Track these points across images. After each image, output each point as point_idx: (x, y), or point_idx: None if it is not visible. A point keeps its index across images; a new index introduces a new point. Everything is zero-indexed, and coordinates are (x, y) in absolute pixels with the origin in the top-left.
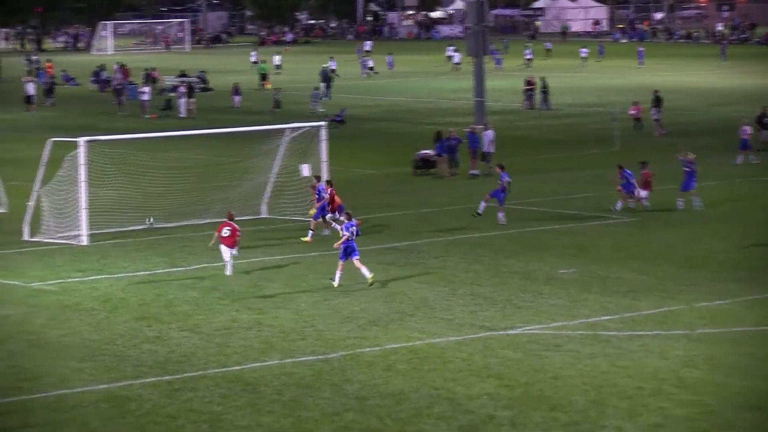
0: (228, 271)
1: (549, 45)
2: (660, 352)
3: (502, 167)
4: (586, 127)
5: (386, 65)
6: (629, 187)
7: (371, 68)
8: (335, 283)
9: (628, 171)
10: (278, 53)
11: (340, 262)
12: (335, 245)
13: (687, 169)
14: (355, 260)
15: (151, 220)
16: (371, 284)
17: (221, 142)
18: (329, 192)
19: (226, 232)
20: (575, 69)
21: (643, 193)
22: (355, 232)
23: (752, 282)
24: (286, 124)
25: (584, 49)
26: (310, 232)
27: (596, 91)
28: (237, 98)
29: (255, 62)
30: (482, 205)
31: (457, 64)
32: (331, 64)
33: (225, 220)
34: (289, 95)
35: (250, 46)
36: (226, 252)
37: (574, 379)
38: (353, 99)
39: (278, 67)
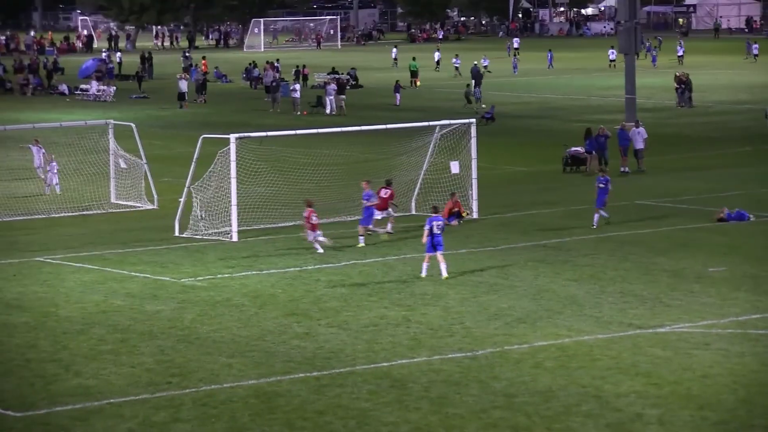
0: (320, 249)
1: (680, 50)
2: None
3: (602, 171)
4: (739, 124)
5: (546, 62)
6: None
7: (485, 68)
8: (423, 275)
9: (730, 213)
10: (438, 50)
11: (427, 255)
12: (423, 239)
13: None
14: (439, 254)
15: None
16: (446, 278)
17: (371, 138)
18: (388, 194)
19: (314, 219)
20: (730, 66)
21: None
22: (440, 227)
23: None
24: (436, 121)
25: (755, 45)
26: (388, 229)
27: (749, 88)
28: (398, 95)
29: (395, 59)
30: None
31: (612, 61)
32: (455, 62)
33: (309, 208)
34: (443, 92)
35: (401, 43)
36: (311, 235)
37: (723, 377)
38: (504, 96)
39: (438, 63)
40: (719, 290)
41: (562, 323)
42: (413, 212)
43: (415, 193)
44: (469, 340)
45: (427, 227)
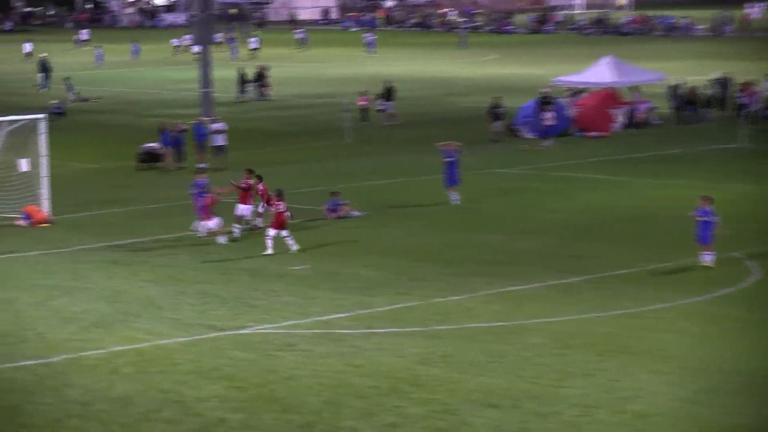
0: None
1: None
2: (395, 349)
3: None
4: (316, 118)
5: (130, 54)
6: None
7: None
8: None
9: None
10: (29, 41)
11: None
12: None
13: (449, 159)
14: None
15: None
16: None
17: None
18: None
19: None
20: (309, 58)
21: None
22: None
23: (487, 276)
24: (3, 117)
25: (369, 35)
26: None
27: (326, 81)
28: None
29: None
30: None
31: (177, 47)
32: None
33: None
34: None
35: None
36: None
37: (307, 379)
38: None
39: (29, 55)
40: (301, 289)
41: (140, 326)
42: None
43: None
44: (43, 347)
45: None
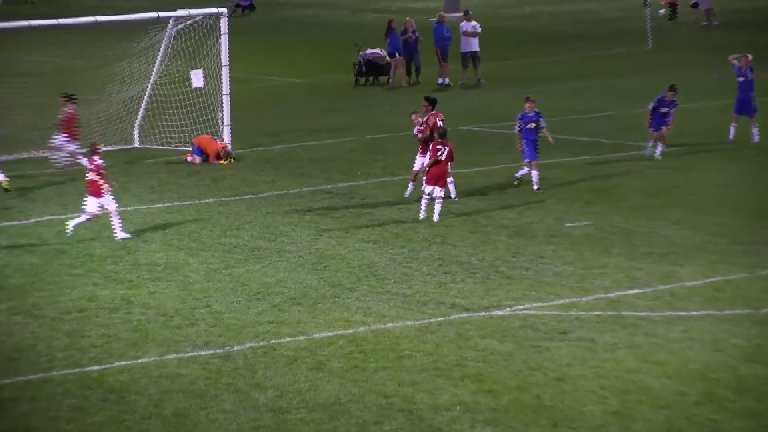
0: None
1: None
2: (711, 341)
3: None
4: (605, 16)
5: None
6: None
7: None
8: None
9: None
10: None
11: None
12: None
13: (741, 79)
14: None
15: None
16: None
17: (77, 37)
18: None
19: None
20: None
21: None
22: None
23: None
24: (170, 11)
25: None
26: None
27: None
28: None
29: None
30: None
31: None
32: None
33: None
34: None
35: None
36: None
37: (587, 381)
38: None
39: None
40: (581, 254)
41: (355, 304)
42: (137, 144)
43: (140, 116)
44: (220, 331)
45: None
